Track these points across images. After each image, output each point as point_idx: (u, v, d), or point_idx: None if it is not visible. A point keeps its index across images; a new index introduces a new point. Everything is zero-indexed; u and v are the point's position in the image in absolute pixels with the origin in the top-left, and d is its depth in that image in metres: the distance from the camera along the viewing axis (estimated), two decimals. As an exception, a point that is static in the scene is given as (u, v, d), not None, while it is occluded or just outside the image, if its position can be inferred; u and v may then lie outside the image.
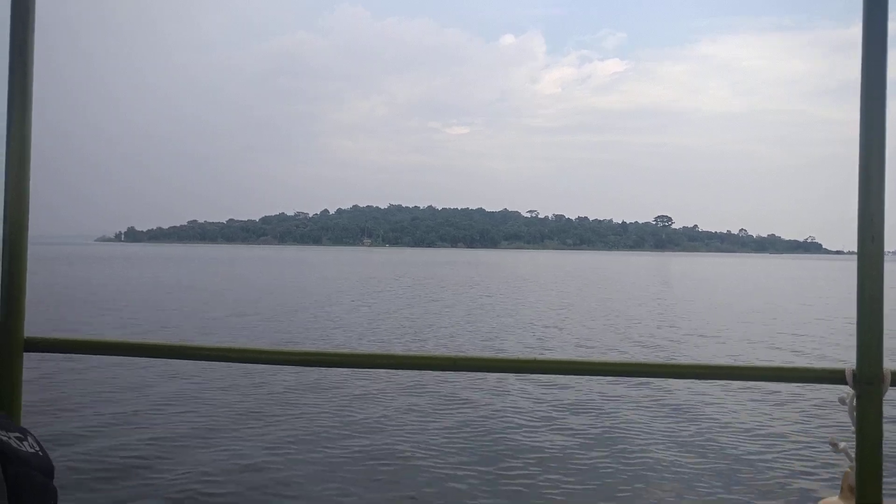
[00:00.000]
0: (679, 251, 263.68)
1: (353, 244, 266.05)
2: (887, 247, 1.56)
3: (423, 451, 8.67)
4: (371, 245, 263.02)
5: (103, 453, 8.27)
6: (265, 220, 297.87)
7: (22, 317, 1.78)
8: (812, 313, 29.32)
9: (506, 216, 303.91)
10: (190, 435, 9.16)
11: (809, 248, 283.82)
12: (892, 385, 1.51)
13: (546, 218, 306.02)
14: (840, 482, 1.59)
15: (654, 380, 12.36)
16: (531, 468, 8.12)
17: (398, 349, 17.02)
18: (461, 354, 1.41)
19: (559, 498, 7.31)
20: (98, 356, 1.65)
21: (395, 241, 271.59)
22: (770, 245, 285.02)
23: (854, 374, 1.51)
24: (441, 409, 10.75)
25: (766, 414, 10.90)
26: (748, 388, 12.27)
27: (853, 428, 1.51)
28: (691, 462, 8.47)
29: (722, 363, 1.69)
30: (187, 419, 9.93)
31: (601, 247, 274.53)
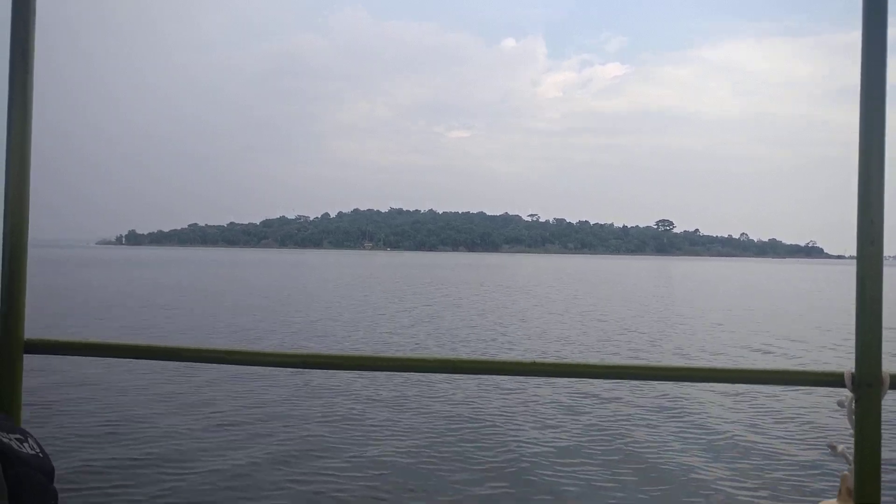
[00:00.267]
0: (680, 255, 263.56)
1: (354, 247, 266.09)
2: (887, 251, 1.57)
3: (424, 453, 8.68)
4: (372, 248, 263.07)
5: (103, 455, 8.29)
6: (266, 223, 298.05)
7: (22, 318, 1.78)
8: (812, 316, 29.31)
9: (507, 220, 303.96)
10: (190, 437, 9.17)
11: (811, 252, 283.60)
12: (890, 388, 1.52)
13: (547, 222, 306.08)
14: (839, 485, 1.59)
15: (652, 383, 12.38)
16: (530, 471, 8.14)
17: (399, 352, 17.04)
18: (461, 357, 1.69)
19: (558, 500, 7.33)
20: (98, 358, 2.00)
21: (395, 245, 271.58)
22: (771, 249, 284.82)
23: (853, 377, 1.51)
24: (442, 410, 10.77)
25: (764, 417, 10.90)
26: (747, 390, 12.28)
27: (852, 431, 1.51)
28: (689, 465, 8.48)
29: (720, 366, 1.79)
30: (188, 421, 9.94)
31: (602, 251, 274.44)
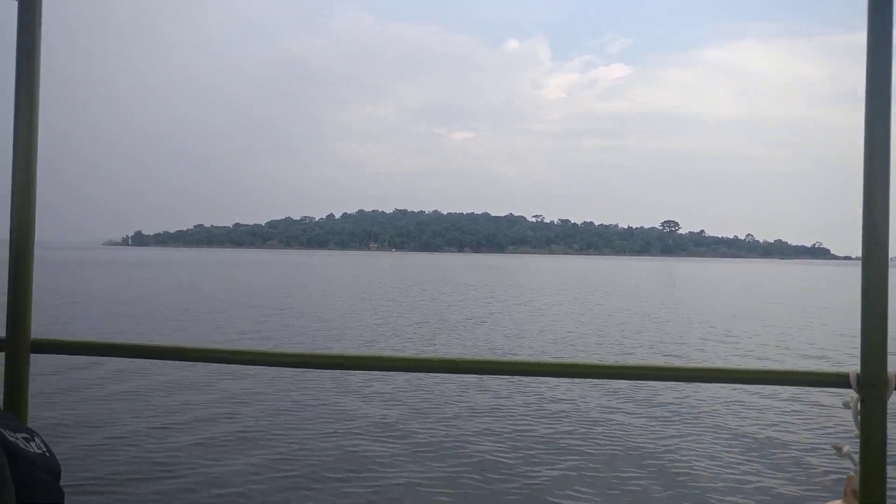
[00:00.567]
0: (686, 256, 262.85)
1: (360, 248, 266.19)
2: (892, 252, 1.57)
3: (426, 454, 8.69)
4: (377, 249, 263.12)
5: (110, 454, 8.33)
6: (271, 224, 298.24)
7: (29, 318, 1.79)
8: (818, 317, 29.20)
9: (511, 221, 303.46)
10: (196, 436, 9.21)
11: (817, 253, 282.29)
12: None
13: (552, 222, 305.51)
14: (844, 486, 1.59)
15: (657, 383, 12.36)
16: (532, 470, 8.14)
17: (403, 352, 17.05)
18: (463, 357, 1.62)
19: (561, 500, 7.33)
20: (105, 358, 2.05)
21: (401, 246, 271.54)
22: (777, 250, 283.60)
23: (858, 378, 1.51)
24: (444, 412, 10.77)
25: (769, 417, 10.88)
26: (752, 391, 12.25)
27: (857, 431, 1.51)
28: (693, 465, 8.47)
29: (725, 366, 1.70)
30: (193, 421, 9.98)
31: (608, 252, 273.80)
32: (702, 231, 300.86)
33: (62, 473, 1.00)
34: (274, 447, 8.80)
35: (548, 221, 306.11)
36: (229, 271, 69.45)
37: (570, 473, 8.09)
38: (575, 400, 11.76)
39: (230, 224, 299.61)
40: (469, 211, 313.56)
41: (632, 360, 15.50)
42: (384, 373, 11.94)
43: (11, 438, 0.94)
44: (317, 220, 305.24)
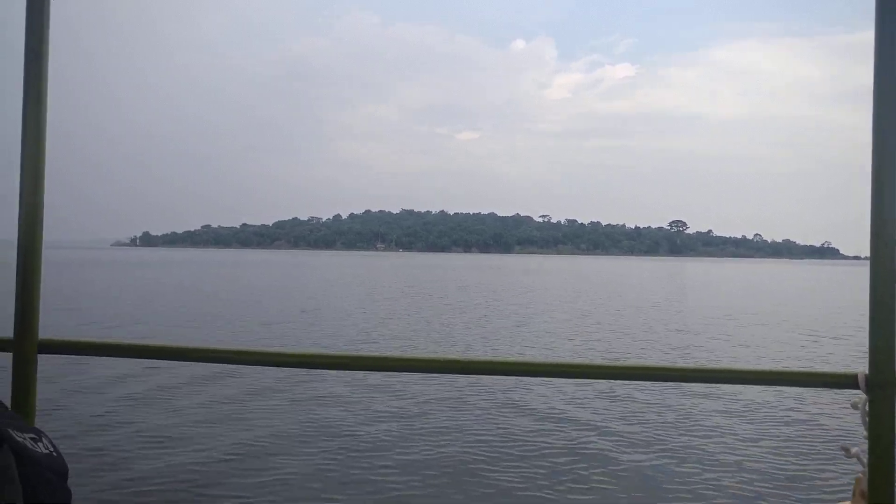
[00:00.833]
0: (694, 256, 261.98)
1: (367, 249, 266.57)
2: None
3: (430, 456, 8.68)
4: (384, 250, 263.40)
5: (117, 455, 8.35)
6: (278, 224, 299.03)
7: (36, 319, 1.80)
8: (827, 317, 29.06)
9: (518, 221, 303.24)
10: (202, 437, 9.22)
11: (826, 253, 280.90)
12: None
13: (559, 222, 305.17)
14: (852, 487, 1.58)
15: (662, 383, 12.32)
16: (537, 470, 8.12)
17: (408, 352, 17.05)
18: (469, 357, 1.67)
19: (564, 500, 7.31)
20: (112, 358, 2.00)
21: (408, 246, 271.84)
22: (785, 250, 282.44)
23: (866, 379, 1.50)
24: (448, 413, 10.76)
25: (777, 419, 10.82)
26: (760, 392, 12.20)
27: (865, 433, 1.51)
28: (700, 467, 8.43)
29: (732, 367, 1.63)
30: (200, 421, 10.00)
31: (615, 252, 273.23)
32: (709, 231, 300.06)
33: (69, 474, 1.00)
34: (278, 449, 8.80)
35: (555, 222, 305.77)
36: (234, 271, 69.63)
37: (575, 474, 8.07)
38: (581, 400, 11.73)
39: (237, 225, 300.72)
40: (475, 211, 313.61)
41: (639, 361, 15.44)
42: (388, 373, 11.93)
43: (19, 439, 0.95)
44: (324, 220, 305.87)
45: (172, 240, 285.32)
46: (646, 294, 44.63)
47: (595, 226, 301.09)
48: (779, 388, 11.50)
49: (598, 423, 10.32)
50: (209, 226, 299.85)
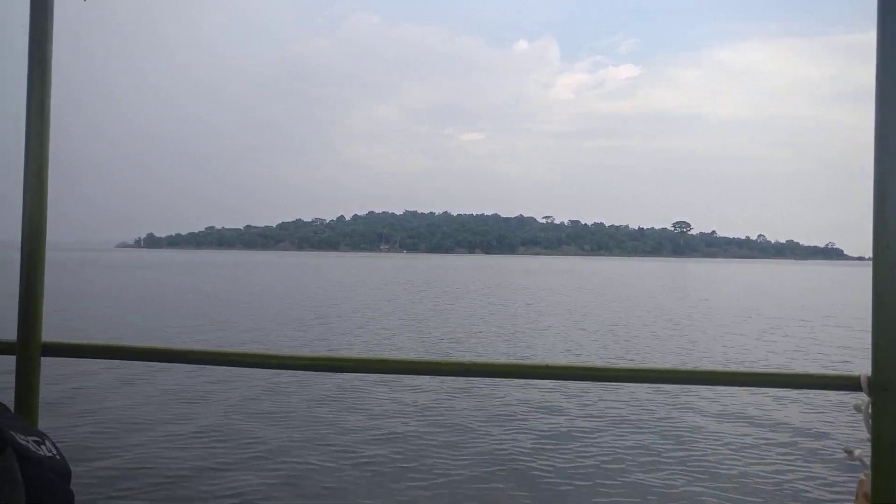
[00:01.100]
0: (697, 257, 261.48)
1: (371, 250, 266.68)
2: None
3: (433, 456, 8.68)
4: (388, 251, 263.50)
5: (120, 457, 8.36)
6: (282, 225, 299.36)
7: (40, 321, 1.80)
8: (830, 320, 28.99)
9: (521, 222, 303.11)
10: (205, 439, 9.24)
11: (830, 253, 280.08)
12: None
13: (562, 223, 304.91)
14: (855, 490, 1.58)
15: (665, 386, 12.31)
16: (539, 471, 8.12)
17: (411, 355, 17.06)
18: (473, 360, 1.65)
19: (570, 501, 7.32)
20: (115, 361, 2.00)
21: (412, 247, 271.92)
22: (789, 251, 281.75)
23: (869, 381, 1.50)
24: (451, 413, 10.76)
25: (779, 421, 10.80)
26: (762, 394, 12.18)
27: (868, 435, 1.51)
28: (702, 469, 8.42)
29: (735, 369, 1.70)
30: (203, 423, 10.02)
31: (619, 252, 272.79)
32: (713, 232, 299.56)
33: (72, 476, 1.01)
34: (281, 451, 8.81)
35: (558, 222, 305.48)
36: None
37: (579, 474, 8.06)
38: (581, 401, 11.71)
39: (241, 226, 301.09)
40: (479, 212, 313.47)
41: (642, 364, 15.43)
42: (392, 376, 11.94)
43: (22, 441, 0.95)
44: (327, 221, 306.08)
45: (176, 241, 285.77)
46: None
47: (598, 226, 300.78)
48: (781, 390, 11.54)
49: (599, 425, 10.30)
50: (213, 227, 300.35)
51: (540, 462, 8.54)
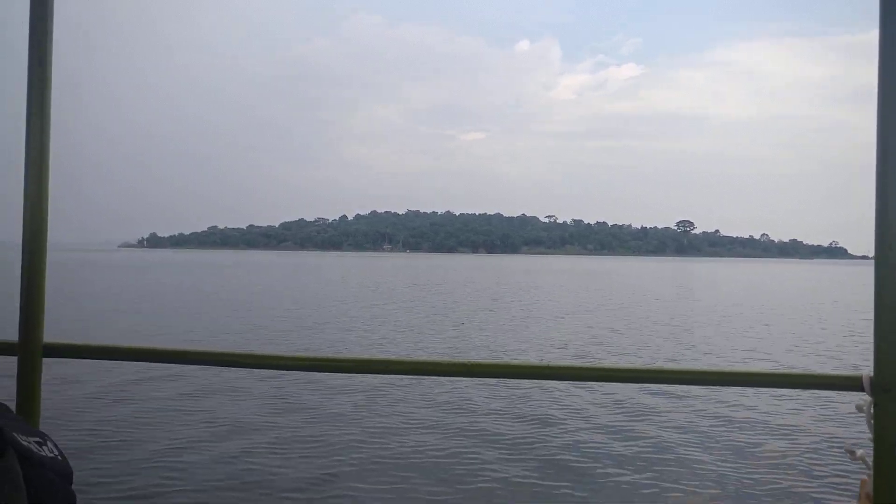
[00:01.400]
0: (701, 256, 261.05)
1: (374, 249, 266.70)
2: None
3: (432, 457, 8.68)
4: (391, 250, 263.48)
5: (122, 458, 8.38)
6: (285, 225, 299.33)
7: (41, 322, 1.80)
8: (832, 319, 28.94)
9: (524, 221, 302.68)
10: (208, 441, 9.25)
11: (834, 252, 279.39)
12: None
13: (565, 223, 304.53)
14: (857, 490, 1.58)
15: (667, 386, 12.29)
16: (542, 473, 8.12)
17: (413, 355, 17.05)
18: (475, 360, 1.63)
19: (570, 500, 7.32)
20: (117, 361, 2.20)
21: (415, 247, 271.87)
22: (793, 250, 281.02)
23: (871, 381, 1.50)
24: (453, 414, 10.76)
25: (781, 421, 10.78)
26: (764, 394, 12.15)
27: (870, 435, 1.51)
28: (703, 471, 8.40)
29: (736, 369, 1.69)
30: (205, 425, 10.03)
31: (622, 252, 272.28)
32: (716, 231, 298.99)
33: (74, 476, 1.01)
34: (284, 452, 8.82)
35: (561, 222, 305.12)
36: (237, 273, 69.81)
37: (577, 475, 8.06)
38: (583, 402, 11.70)
39: (244, 226, 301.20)
40: (481, 211, 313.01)
41: (643, 364, 15.42)
42: (395, 376, 11.94)
43: (24, 442, 0.95)
44: (330, 221, 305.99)
45: (179, 241, 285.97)
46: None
47: (601, 226, 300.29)
48: (783, 390, 11.51)
49: (600, 426, 10.30)
50: (215, 227, 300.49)
51: (541, 461, 8.54)
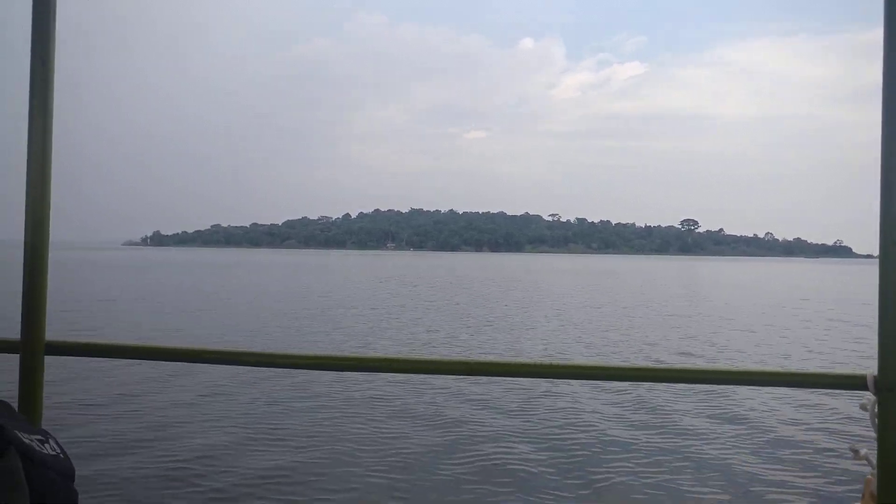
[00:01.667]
0: (705, 255, 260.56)
1: (378, 248, 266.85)
2: None
3: (434, 457, 8.67)
4: (395, 249, 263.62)
5: (123, 456, 8.38)
6: (288, 224, 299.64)
7: (43, 320, 1.80)
8: (837, 318, 28.87)
9: (528, 220, 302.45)
10: (210, 439, 9.25)
11: (839, 251, 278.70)
12: None
13: (568, 221, 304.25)
14: (862, 489, 1.59)
15: (671, 385, 12.25)
16: (538, 472, 8.09)
17: (414, 354, 17.05)
18: (476, 359, 1.66)
19: (571, 500, 7.28)
20: (120, 360, 2.07)
21: (419, 245, 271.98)
22: (797, 249, 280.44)
23: (875, 380, 1.50)
24: (455, 413, 10.75)
25: (785, 420, 10.75)
26: (768, 393, 12.12)
27: (874, 434, 1.51)
28: (707, 467, 8.38)
29: (741, 368, 1.67)
30: (208, 423, 10.03)
31: (626, 250, 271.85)
32: (720, 230, 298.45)
33: (76, 475, 1.01)
34: (284, 451, 8.82)
35: (564, 220, 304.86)
36: (242, 272, 69.90)
37: (582, 474, 8.03)
38: (584, 401, 11.68)
39: (247, 224, 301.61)
40: (484, 210, 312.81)
41: (647, 363, 15.39)
42: (395, 375, 11.93)
43: (26, 440, 0.95)
44: (333, 219, 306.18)
45: (183, 239, 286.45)
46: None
47: (605, 225, 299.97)
48: (788, 388, 11.46)
49: (602, 425, 10.27)
50: (219, 225, 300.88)
51: (541, 461, 8.52)
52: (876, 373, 1.50)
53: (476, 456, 8.68)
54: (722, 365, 15.32)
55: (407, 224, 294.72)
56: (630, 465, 8.46)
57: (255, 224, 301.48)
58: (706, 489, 7.71)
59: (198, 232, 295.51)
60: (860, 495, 1.60)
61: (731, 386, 10.80)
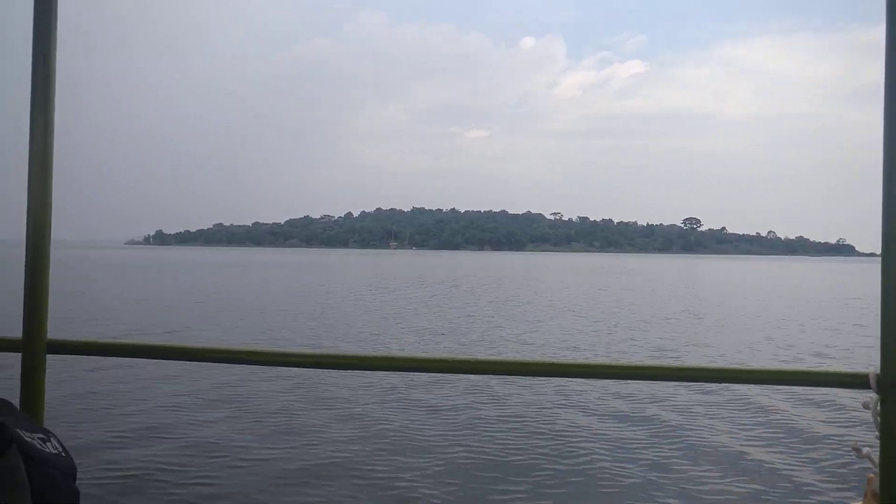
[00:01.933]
0: (707, 254, 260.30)
1: (380, 247, 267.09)
2: None
3: (434, 457, 8.66)
4: (398, 248, 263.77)
5: (126, 455, 8.38)
6: (290, 223, 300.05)
7: (45, 319, 1.80)
8: (840, 317, 28.82)
9: (530, 219, 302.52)
10: (211, 439, 9.24)
11: (842, 250, 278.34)
12: None
13: (570, 220, 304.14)
14: (864, 488, 1.59)
15: (673, 383, 12.24)
16: (543, 472, 8.09)
17: (416, 352, 17.05)
18: (478, 357, 1.68)
19: (572, 499, 7.28)
20: (122, 358, 2.09)
21: (421, 244, 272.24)
22: (800, 247, 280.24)
23: (878, 378, 1.50)
24: (455, 413, 10.74)
25: (787, 418, 10.72)
26: (770, 391, 12.10)
27: (877, 432, 1.50)
28: (710, 467, 8.36)
29: (744, 366, 1.62)
30: (210, 422, 10.03)
31: (629, 249, 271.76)
32: (723, 228, 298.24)
33: (78, 473, 1.01)
34: (285, 450, 8.81)
35: (566, 219, 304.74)
36: (244, 272, 69.94)
37: (585, 473, 8.03)
38: (586, 400, 11.67)
39: (250, 223, 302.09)
40: (486, 209, 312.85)
41: (648, 361, 15.38)
42: (397, 373, 11.93)
43: (28, 439, 0.95)
44: (336, 218, 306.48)
45: (185, 238, 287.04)
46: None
47: (607, 223, 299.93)
48: (790, 387, 11.44)
49: (603, 424, 10.26)
50: (221, 224, 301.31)
51: (542, 462, 8.51)
52: (878, 371, 1.50)
53: (478, 455, 8.67)
54: (724, 363, 15.31)
55: (409, 223, 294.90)
56: (630, 463, 8.45)
57: (257, 223, 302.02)
58: (707, 487, 7.70)
59: (200, 231, 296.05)
60: (862, 494, 1.59)
61: (733, 384, 10.79)
